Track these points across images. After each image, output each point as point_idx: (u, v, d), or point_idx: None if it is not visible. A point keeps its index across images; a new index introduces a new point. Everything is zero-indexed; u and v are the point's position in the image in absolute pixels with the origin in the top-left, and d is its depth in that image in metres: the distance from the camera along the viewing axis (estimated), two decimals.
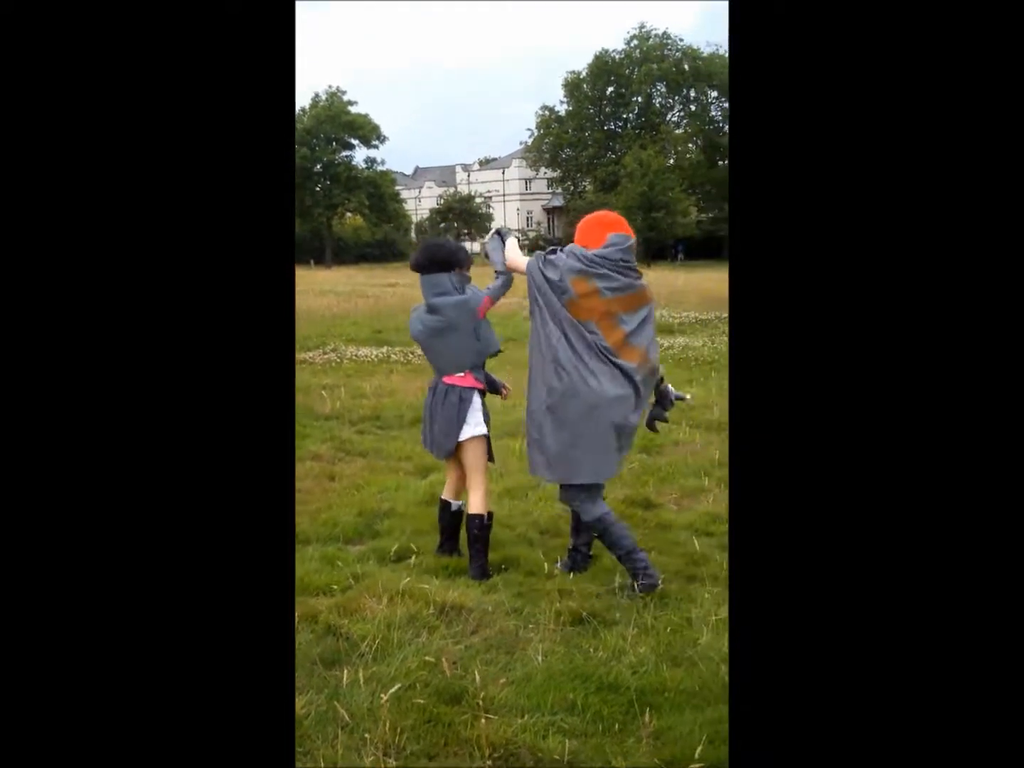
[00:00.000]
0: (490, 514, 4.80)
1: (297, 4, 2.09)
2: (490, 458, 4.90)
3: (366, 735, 3.05)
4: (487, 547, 4.77)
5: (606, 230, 4.61)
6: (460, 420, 4.69)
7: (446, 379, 4.74)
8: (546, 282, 4.51)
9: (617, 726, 3.13)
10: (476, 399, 4.73)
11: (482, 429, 4.74)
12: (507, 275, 4.79)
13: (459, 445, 4.73)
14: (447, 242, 5.07)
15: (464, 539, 4.89)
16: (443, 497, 5.02)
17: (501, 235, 4.92)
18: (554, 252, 4.64)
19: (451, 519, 4.96)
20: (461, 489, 4.97)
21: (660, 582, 4.42)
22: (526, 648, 3.74)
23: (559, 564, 4.79)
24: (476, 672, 3.38)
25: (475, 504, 4.76)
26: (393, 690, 3.19)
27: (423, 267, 4.78)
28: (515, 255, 4.78)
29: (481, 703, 3.21)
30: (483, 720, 3.11)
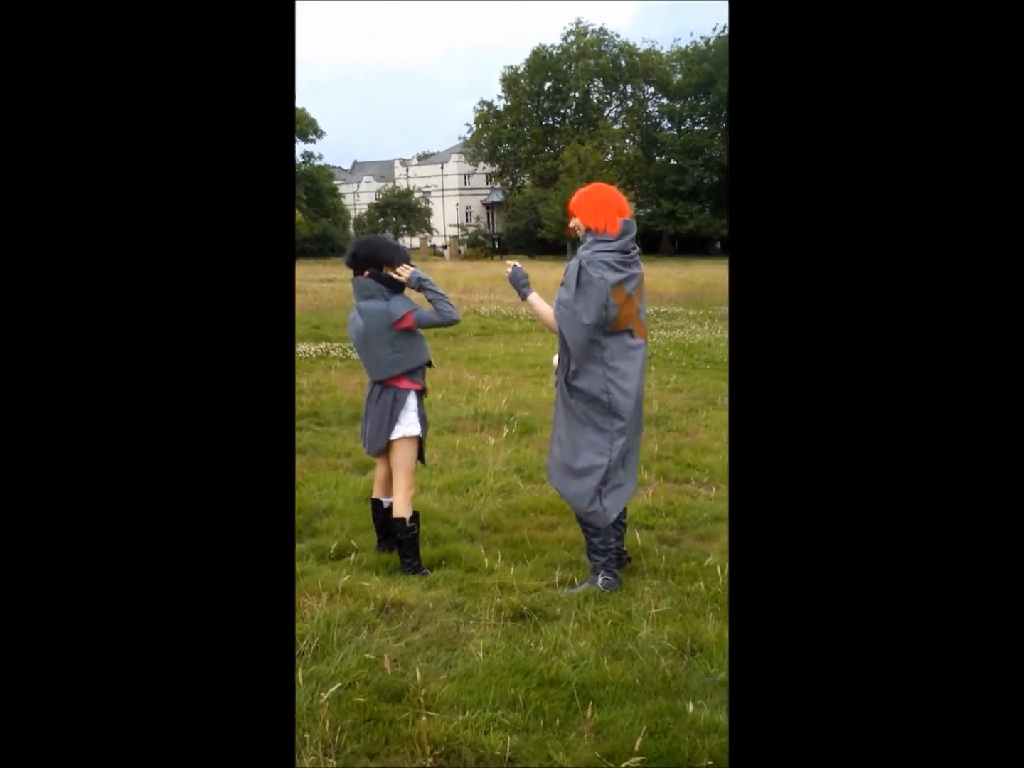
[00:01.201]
0: (415, 514, 4.77)
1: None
2: (421, 460, 4.85)
3: (306, 735, 3.02)
4: (416, 547, 4.73)
5: (617, 214, 4.42)
6: (393, 419, 4.65)
7: (384, 380, 4.69)
8: (593, 332, 4.29)
9: (558, 721, 3.14)
10: (411, 399, 4.68)
11: (414, 430, 4.69)
12: (450, 319, 4.66)
13: (390, 444, 4.70)
14: (375, 239, 4.91)
15: None
16: (374, 496, 4.98)
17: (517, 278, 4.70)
18: (581, 279, 4.27)
19: (385, 516, 4.91)
20: (391, 486, 4.94)
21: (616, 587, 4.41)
22: (467, 644, 3.73)
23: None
24: (417, 669, 3.36)
25: (399, 507, 4.72)
26: (333, 689, 3.16)
27: (351, 265, 4.73)
28: (543, 309, 4.55)
29: (422, 700, 3.20)
30: (424, 717, 3.09)
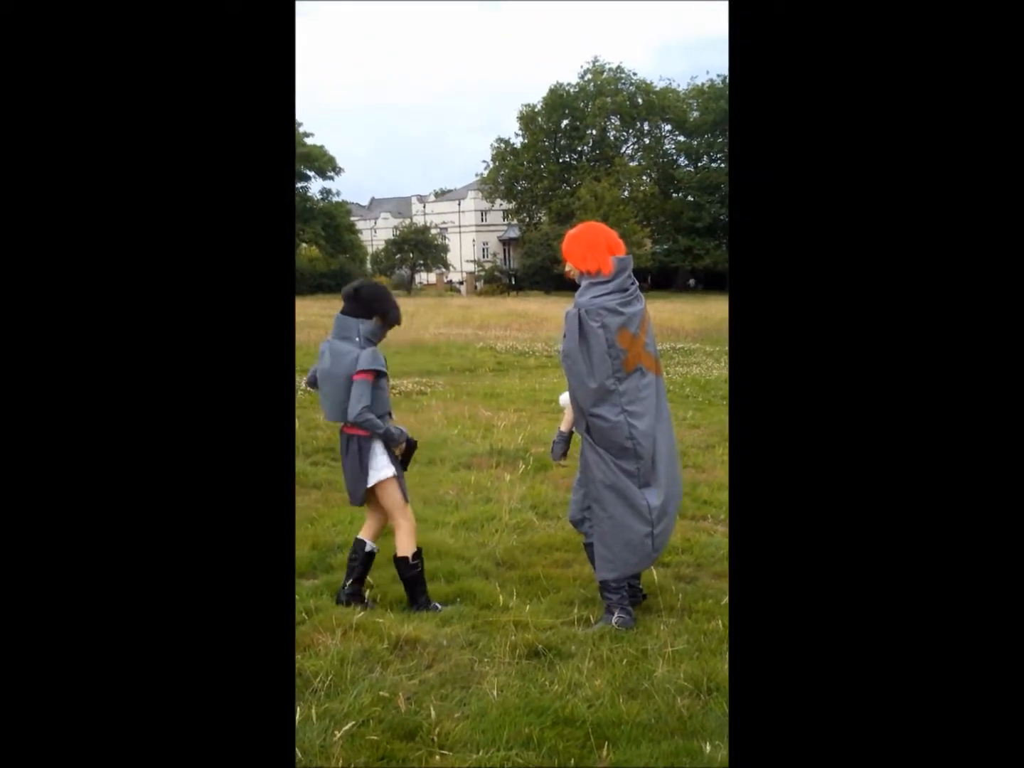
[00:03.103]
0: (417, 551, 4.71)
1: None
2: (404, 497, 4.76)
3: None
4: (423, 584, 4.70)
5: (610, 252, 4.38)
6: (364, 467, 4.60)
7: (344, 428, 4.64)
8: (601, 390, 4.27)
9: (573, 761, 3.10)
10: (376, 445, 4.61)
11: (388, 471, 4.63)
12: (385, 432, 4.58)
13: (370, 492, 4.66)
14: (382, 289, 4.86)
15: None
16: (359, 536, 4.85)
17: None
18: (584, 331, 4.23)
19: (364, 559, 4.77)
20: (379, 532, 4.87)
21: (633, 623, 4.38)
22: (481, 682, 3.70)
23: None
24: (431, 707, 3.34)
25: (402, 546, 4.68)
26: (347, 727, 3.14)
27: (348, 298, 4.67)
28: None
29: (435, 739, 3.17)
30: (437, 756, 3.07)
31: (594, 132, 64.11)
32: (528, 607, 4.54)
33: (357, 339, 4.55)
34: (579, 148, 65.24)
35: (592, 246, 4.39)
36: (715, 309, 33.09)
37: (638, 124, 65.06)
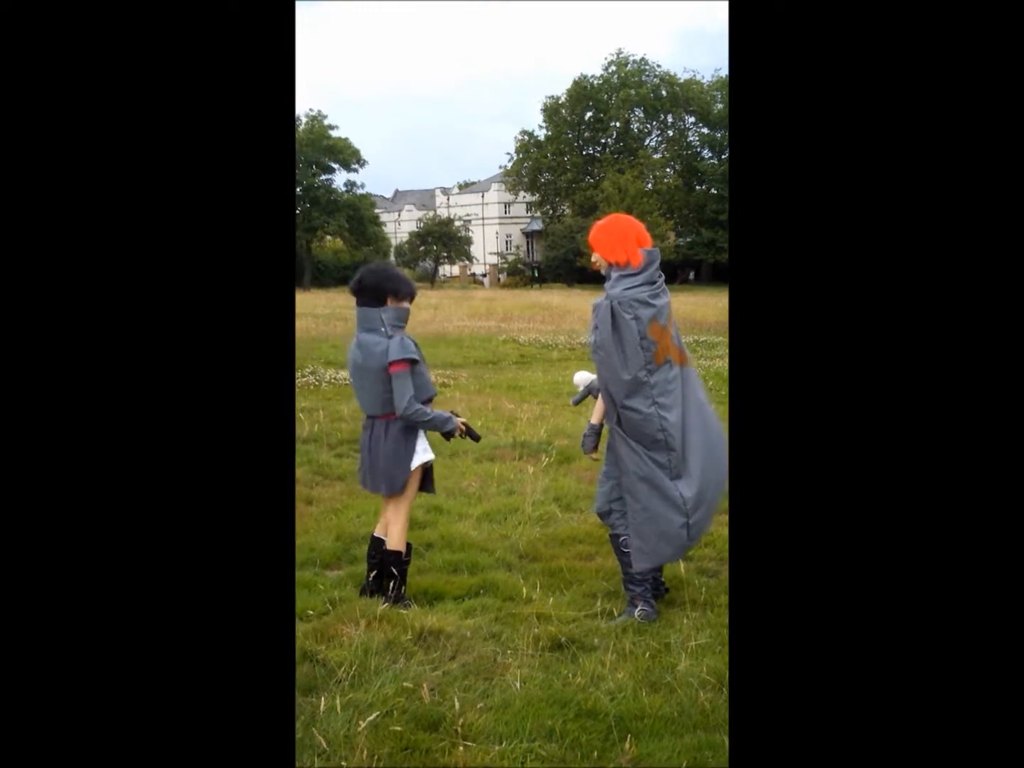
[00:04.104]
0: (409, 547, 4.69)
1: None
2: (430, 488, 4.79)
3: (343, 763, 3.02)
4: (404, 582, 4.64)
5: (638, 244, 4.36)
6: (409, 451, 4.54)
7: (378, 416, 4.58)
8: (634, 382, 4.26)
9: (596, 753, 3.11)
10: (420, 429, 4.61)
11: (430, 455, 4.63)
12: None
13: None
14: (381, 267, 4.75)
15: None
16: (375, 534, 4.81)
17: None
18: (617, 324, 4.21)
19: (384, 556, 4.69)
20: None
21: (656, 616, 4.38)
22: (504, 674, 3.72)
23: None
24: (455, 699, 3.36)
25: (394, 538, 4.61)
26: (371, 718, 3.16)
27: (356, 293, 4.59)
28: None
29: (459, 730, 3.19)
30: (461, 748, 3.09)
31: (618, 124, 63.92)
32: (551, 599, 4.56)
33: (383, 328, 4.49)
34: (603, 140, 65.09)
35: (622, 238, 4.37)
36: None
37: (662, 116, 64.84)
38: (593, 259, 4.50)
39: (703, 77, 66.14)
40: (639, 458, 4.30)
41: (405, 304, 4.60)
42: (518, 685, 3.59)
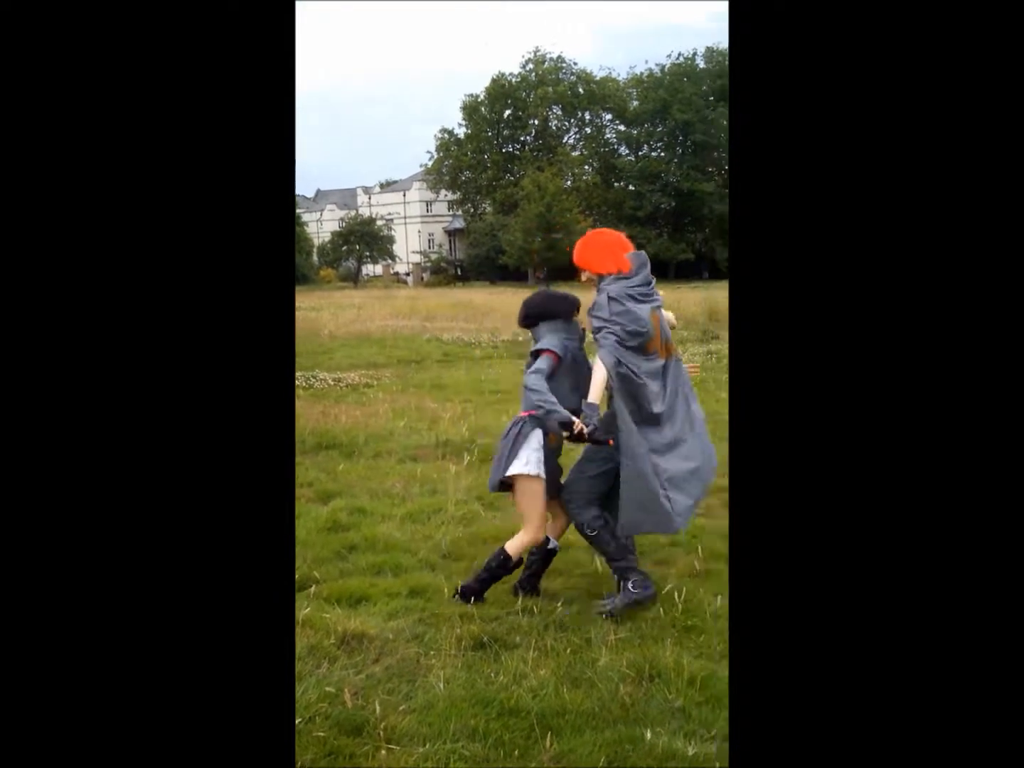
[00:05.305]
0: (519, 561, 4.62)
1: None
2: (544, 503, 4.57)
3: None
4: (490, 583, 4.61)
5: (624, 250, 4.57)
6: (514, 452, 4.47)
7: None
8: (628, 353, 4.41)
9: (518, 752, 3.14)
10: (534, 435, 4.47)
11: (532, 468, 4.44)
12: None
13: (512, 481, 4.52)
14: (540, 295, 4.90)
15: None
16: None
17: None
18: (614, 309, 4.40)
19: (545, 556, 4.70)
20: (564, 529, 4.77)
21: (652, 592, 4.47)
22: (427, 675, 3.73)
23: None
24: (377, 702, 3.36)
25: (516, 545, 4.57)
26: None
27: (528, 325, 4.72)
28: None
29: (382, 733, 3.20)
30: (384, 751, 3.09)
31: (536, 122, 64.17)
32: (473, 598, 4.57)
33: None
34: (522, 138, 65.28)
35: (607, 248, 4.58)
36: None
37: (579, 113, 65.27)
38: (584, 277, 4.66)
39: (619, 74, 66.82)
40: (629, 427, 4.37)
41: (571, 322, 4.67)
42: (441, 686, 3.60)
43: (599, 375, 4.41)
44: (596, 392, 4.43)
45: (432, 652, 3.97)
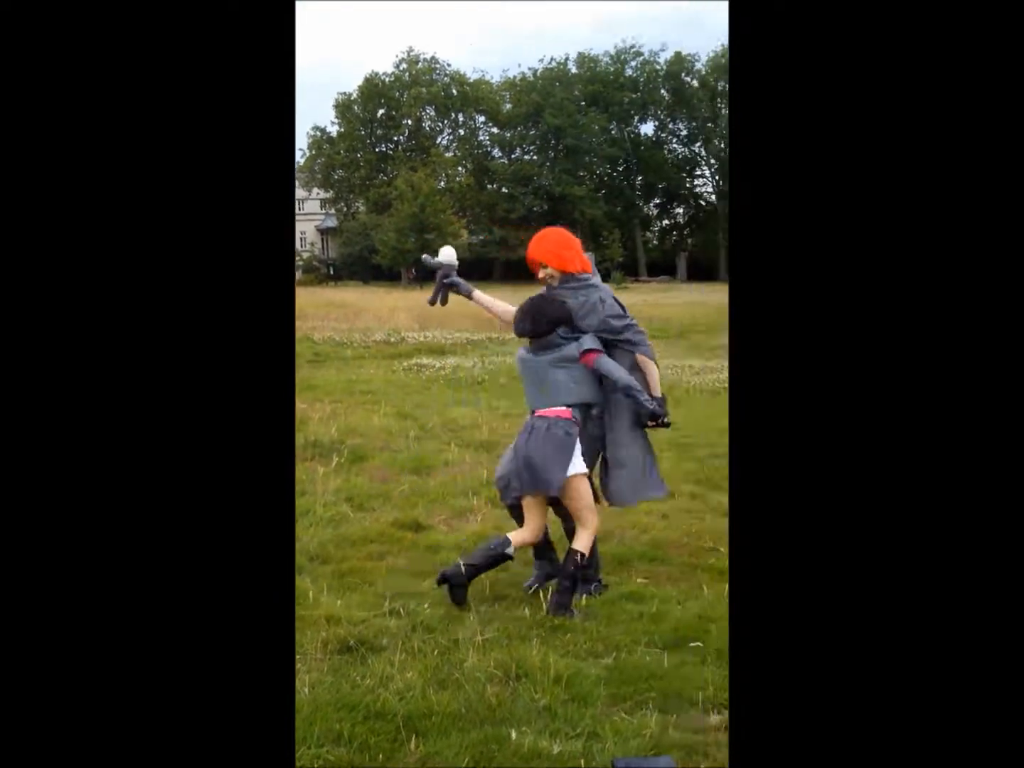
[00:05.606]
0: (585, 555, 4.60)
1: None
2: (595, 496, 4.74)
3: None
4: (575, 589, 4.53)
5: (581, 249, 4.67)
6: (569, 454, 4.52)
7: (539, 412, 4.64)
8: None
9: (382, 756, 3.10)
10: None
11: (584, 468, 4.61)
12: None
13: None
14: (548, 302, 4.82)
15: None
16: (507, 534, 4.71)
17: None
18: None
19: (498, 559, 4.66)
20: (532, 540, 4.73)
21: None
22: None
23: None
24: None
25: (582, 542, 4.57)
26: None
27: (534, 335, 4.72)
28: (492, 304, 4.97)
29: None
30: None
31: (410, 122, 64.07)
32: (340, 601, 4.51)
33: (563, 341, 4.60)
34: (395, 138, 65.10)
35: (574, 247, 4.61)
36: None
37: (453, 115, 65.44)
38: (543, 274, 4.63)
39: (492, 77, 67.15)
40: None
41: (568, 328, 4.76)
42: (306, 691, 3.53)
43: (656, 369, 4.67)
44: (658, 385, 4.67)
45: (298, 656, 3.89)
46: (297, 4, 2.05)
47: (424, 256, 4.86)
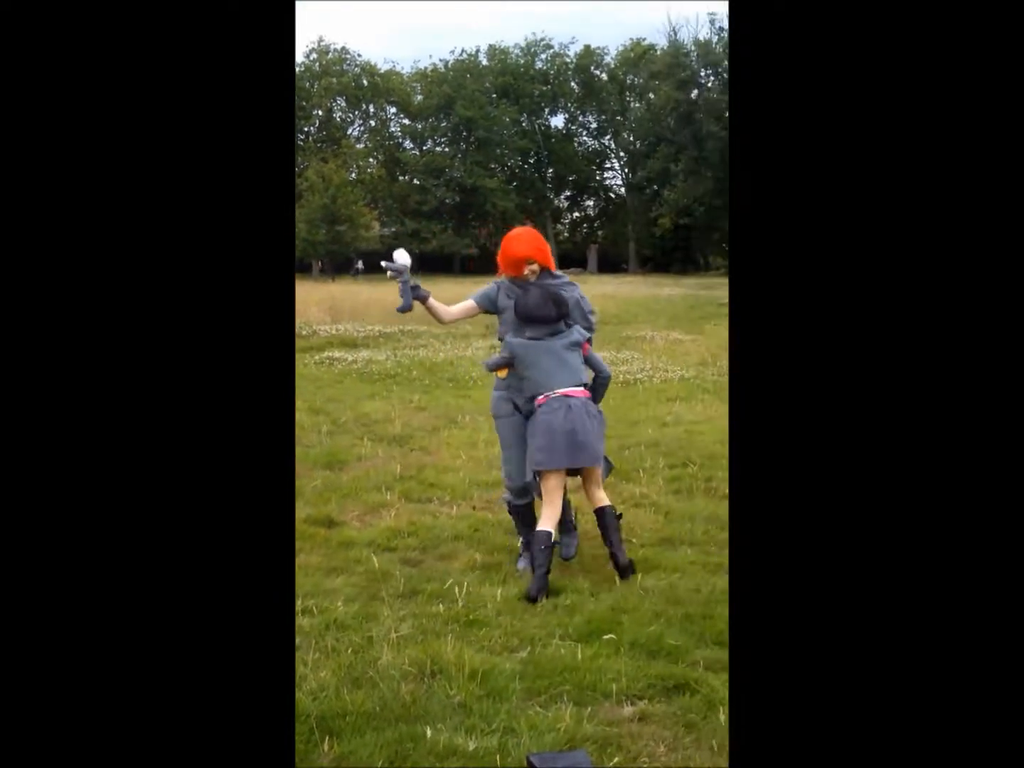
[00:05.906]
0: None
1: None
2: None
3: None
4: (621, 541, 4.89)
5: None
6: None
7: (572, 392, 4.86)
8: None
9: (296, 757, 3.06)
10: None
11: None
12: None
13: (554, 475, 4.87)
14: (557, 294, 5.05)
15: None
16: (541, 527, 4.77)
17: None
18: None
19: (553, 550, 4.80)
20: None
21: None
22: None
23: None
24: None
25: (606, 497, 4.97)
26: None
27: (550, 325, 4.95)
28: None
29: None
30: None
31: (320, 113, 63.36)
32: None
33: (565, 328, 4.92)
34: (306, 128, 64.27)
35: (547, 246, 5.00)
36: (441, 290, 33.42)
37: (364, 106, 64.92)
38: (528, 270, 4.88)
39: (403, 68, 66.81)
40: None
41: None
42: None
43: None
44: None
45: None
46: None
47: (384, 263, 4.83)
